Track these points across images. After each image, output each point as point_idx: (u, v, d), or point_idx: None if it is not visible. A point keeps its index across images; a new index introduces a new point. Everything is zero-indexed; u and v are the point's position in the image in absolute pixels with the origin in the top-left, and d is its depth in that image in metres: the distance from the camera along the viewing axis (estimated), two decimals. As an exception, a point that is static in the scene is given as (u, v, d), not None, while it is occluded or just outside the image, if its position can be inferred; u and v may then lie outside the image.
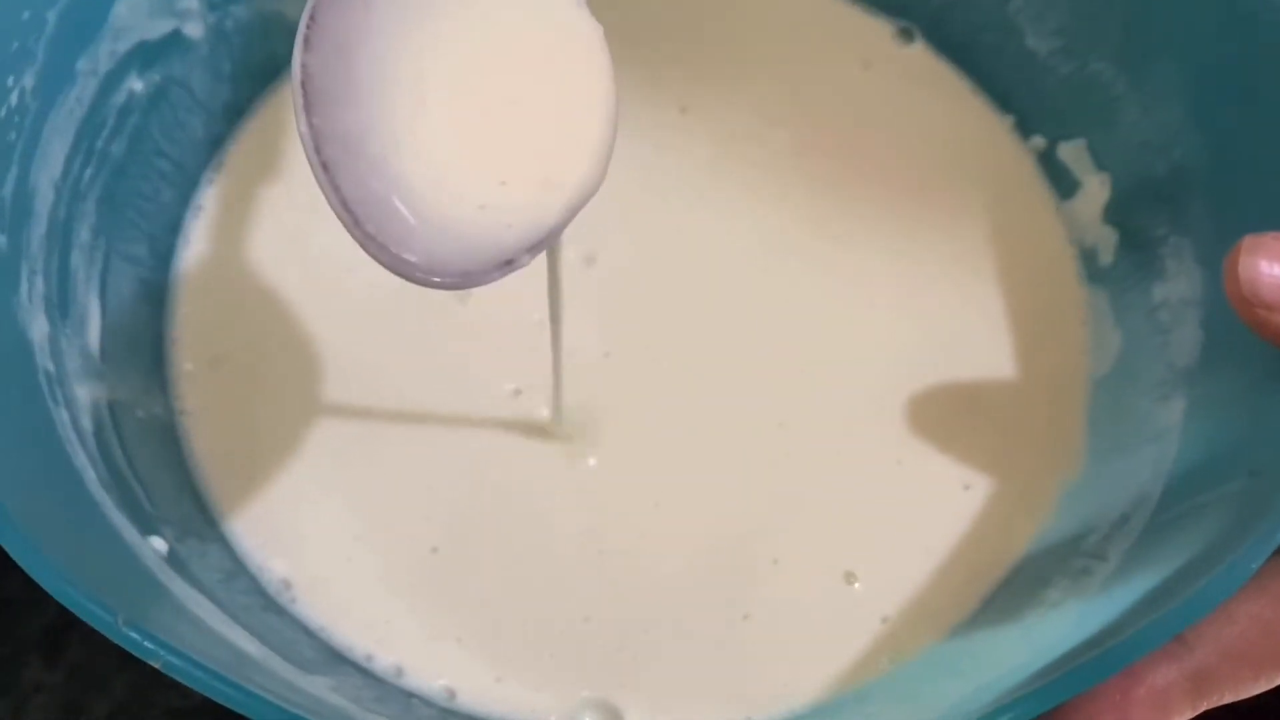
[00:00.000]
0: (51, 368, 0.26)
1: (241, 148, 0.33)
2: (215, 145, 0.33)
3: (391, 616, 0.28)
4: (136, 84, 0.30)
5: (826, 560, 0.29)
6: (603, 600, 0.29)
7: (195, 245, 0.32)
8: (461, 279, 0.22)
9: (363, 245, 0.21)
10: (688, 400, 0.31)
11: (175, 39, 0.31)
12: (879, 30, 0.35)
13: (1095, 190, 0.32)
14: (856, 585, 0.29)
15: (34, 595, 0.20)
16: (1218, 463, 0.25)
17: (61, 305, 0.28)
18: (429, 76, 0.22)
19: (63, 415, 0.26)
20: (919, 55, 0.35)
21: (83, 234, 0.29)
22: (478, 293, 0.31)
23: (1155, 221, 0.30)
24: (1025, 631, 0.26)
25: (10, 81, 0.26)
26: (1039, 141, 0.34)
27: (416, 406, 0.30)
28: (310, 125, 0.21)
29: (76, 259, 0.28)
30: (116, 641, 0.20)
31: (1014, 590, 0.28)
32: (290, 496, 0.29)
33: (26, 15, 0.26)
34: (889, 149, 0.34)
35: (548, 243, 0.22)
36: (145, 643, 0.20)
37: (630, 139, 0.33)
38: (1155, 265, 0.30)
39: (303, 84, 0.21)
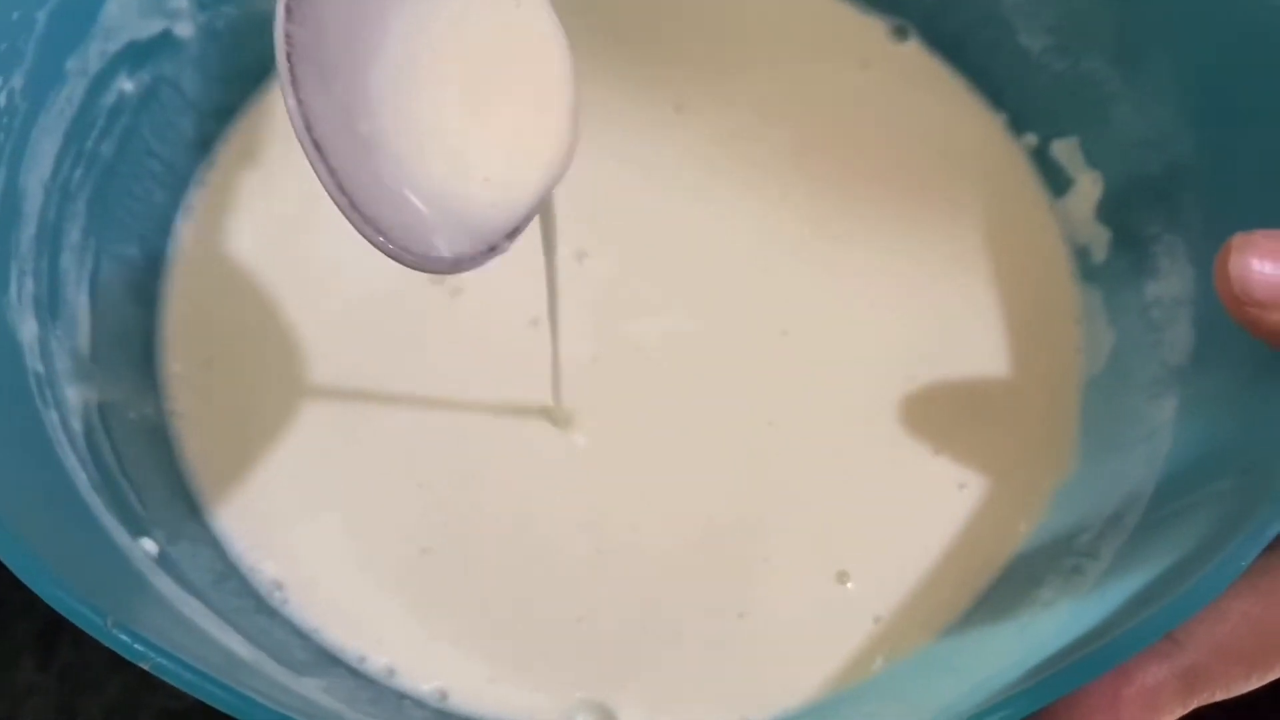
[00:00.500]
0: (41, 369, 0.26)
1: (233, 148, 0.33)
2: (206, 145, 0.33)
3: (384, 617, 0.28)
4: (127, 84, 0.30)
5: (819, 560, 0.29)
6: (596, 601, 0.29)
7: (186, 246, 0.32)
8: (452, 264, 0.22)
9: (359, 228, 0.21)
10: (680, 399, 0.31)
11: (166, 39, 0.31)
12: (873, 28, 0.35)
13: (1088, 188, 0.32)
14: (849, 585, 0.29)
15: (26, 597, 0.20)
16: (1210, 461, 0.25)
17: (51, 306, 0.27)
18: (410, 60, 0.22)
19: (52, 417, 0.26)
20: (913, 53, 0.35)
21: (73, 235, 0.29)
22: (469, 293, 0.31)
23: (1148, 220, 0.30)
24: (1018, 630, 0.26)
25: (-1, 81, 0.26)
26: (1031, 139, 0.34)
27: (408, 407, 0.30)
28: (299, 100, 0.21)
29: (66, 260, 0.28)
30: (105, 643, 0.20)
31: (1007, 589, 0.28)
32: (282, 497, 0.29)
33: (16, 15, 0.26)
34: (883, 147, 0.34)
35: (525, 226, 0.23)
36: (134, 644, 0.20)
37: (625, 138, 0.34)
38: (1148, 264, 0.30)
39: (288, 56, 0.21)
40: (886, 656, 0.28)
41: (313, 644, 0.28)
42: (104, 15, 0.29)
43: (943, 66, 0.35)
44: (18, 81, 0.26)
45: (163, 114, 0.31)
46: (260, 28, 0.33)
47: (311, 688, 0.25)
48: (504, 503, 0.29)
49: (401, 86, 0.22)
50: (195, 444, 0.30)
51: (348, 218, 0.21)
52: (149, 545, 0.26)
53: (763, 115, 0.34)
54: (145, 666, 0.21)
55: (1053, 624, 0.25)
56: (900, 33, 0.35)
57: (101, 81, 0.29)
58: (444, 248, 0.22)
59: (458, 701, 0.27)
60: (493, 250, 0.22)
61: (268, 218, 0.32)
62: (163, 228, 0.32)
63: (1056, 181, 0.33)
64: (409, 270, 0.31)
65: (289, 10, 0.21)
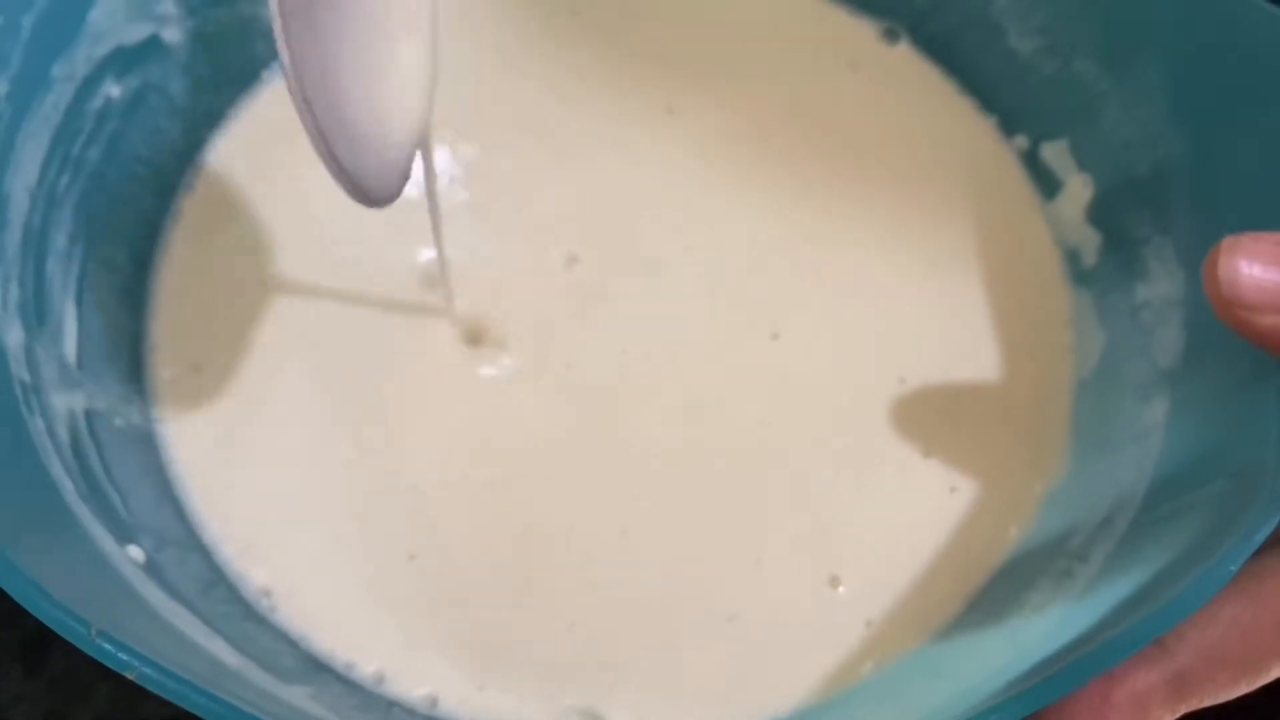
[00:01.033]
0: (27, 377, 0.26)
1: (221, 153, 0.33)
2: (194, 150, 0.33)
3: (372, 624, 0.28)
4: (114, 89, 0.30)
5: (811, 563, 0.29)
6: (586, 606, 0.28)
7: (175, 251, 0.32)
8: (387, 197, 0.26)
9: (333, 173, 0.24)
10: (671, 401, 0.31)
11: (153, 44, 0.31)
12: (864, 31, 0.35)
13: (1078, 191, 0.32)
14: (841, 589, 0.29)
15: (14, 605, 0.20)
16: (1200, 464, 0.25)
17: (38, 313, 0.27)
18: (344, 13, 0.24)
19: (38, 424, 0.26)
20: (904, 56, 0.35)
21: (59, 241, 0.29)
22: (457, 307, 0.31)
23: (1138, 222, 0.30)
24: (1009, 634, 0.26)
25: (-16, 87, 0.26)
26: (1022, 142, 0.33)
27: (396, 413, 0.30)
28: (290, 53, 0.23)
29: (53, 266, 0.28)
30: (88, 652, 0.20)
31: (998, 593, 0.28)
32: (269, 504, 0.29)
33: (1, 21, 0.26)
34: (873, 149, 0.34)
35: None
36: (118, 653, 0.20)
37: (617, 138, 0.34)
38: (1138, 266, 0.30)
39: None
40: (877, 661, 0.28)
41: (301, 651, 0.27)
42: (91, 21, 0.29)
43: (933, 69, 0.35)
44: (3, 87, 0.26)
45: (150, 119, 0.31)
46: (249, 33, 0.33)
47: (299, 695, 0.25)
48: (491, 509, 0.29)
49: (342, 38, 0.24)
50: (183, 451, 0.29)
51: (325, 164, 0.24)
52: (135, 553, 0.26)
53: (754, 117, 0.34)
54: (129, 675, 0.20)
55: (1043, 628, 0.24)
56: (891, 35, 0.35)
57: (88, 87, 0.29)
58: (383, 184, 0.25)
59: (447, 708, 0.27)
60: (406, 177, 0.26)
61: (256, 223, 0.32)
62: (151, 234, 0.32)
63: (1047, 184, 0.33)
64: (400, 276, 0.31)
65: None
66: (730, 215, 0.33)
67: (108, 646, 0.20)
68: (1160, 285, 0.29)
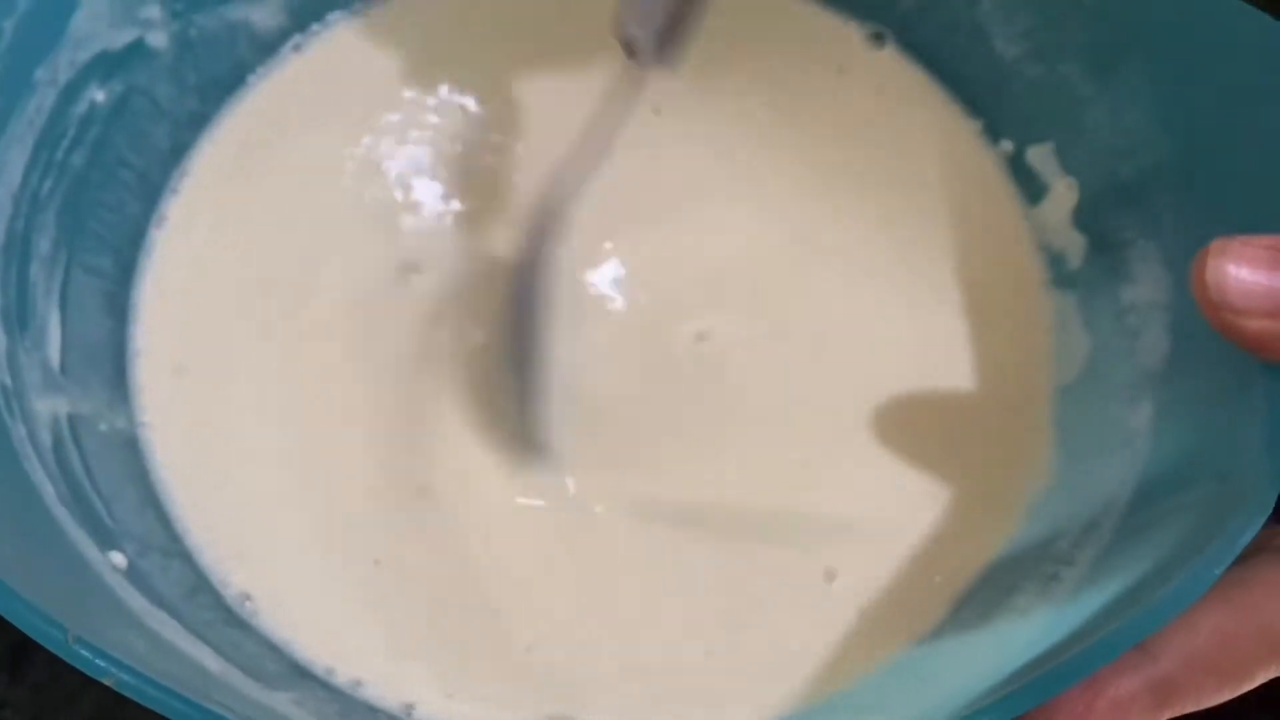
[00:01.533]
0: (9, 381, 0.26)
1: (207, 157, 0.33)
2: (180, 155, 0.32)
3: (349, 630, 0.28)
4: (98, 94, 0.30)
5: (802, 563, 0.29)
6: (568, 609, 0.28)
7: (159, 256, 0.32)
8: None
9: None
10: (656, 406, 0.30)
11: (138, 48, 0.31)
12: (851, 35, 0.35)
13: (1063, 194, 0.32)
14: (829, 592, 0.29)
15: (-4, 611, 0.20)
16: (1186, 467, 0.25)
17: (20, 318, 0.27)
18: None
19: (20, 430, 0.26)
20: (891, 59, 0.35)
21: (42, 246, 0.28)
22: (451, 320, 0.31)
23: (1123, 225, 0.30)
24: (994, 639, 0.26)
25: (-35, 92, 0.26)
26: (1007, 146, 0.33)
27: (378, 419, 0.30)
28: None
29: (36, 271, 0.28)
30: (65, 658, 0.20)
31: (984, 598, 0.28)
32: (251, 508, 0.29)
33: (-18, 25, 0.26)
34: (860, 152, 0.34)
35: None
36: (95, 660, 0.20)
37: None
38: (1123, 269, 0.30)
39: None
40: (864, 665, 0.28)
41: (283, 657, 0.27)
42: (74, 25, 0.29)
43: (919, 72, 0.34)
44: (-15, 91, 0.26)
45: (135, 123, 0.31)
46: (234, 37, 0.33)
47: (282, 701, 0.25)
48: (471, 513, 0.29)
49: None
50: (166, 455, 0.29)
51: None
52: (118, 558, 0.26)
53: (742, 120, 0.34)
54: (107, 682, 0.20)
55: (1029, 633, 0.24)
56: (877, 39, 0.35)
57: (72, 91, 0.29)
58: None
59: (424, 715, 0.27)
60: None
61: (243, 227, 0.32)
62: (136, 238, 0.32)
63: (1032, 188, 0.33)
64: (382, 281, 0.31)
65: None
66: (715, 216, 0.33)
67: (85, 653, 0.20)
68: (1145, 288, 0.29)
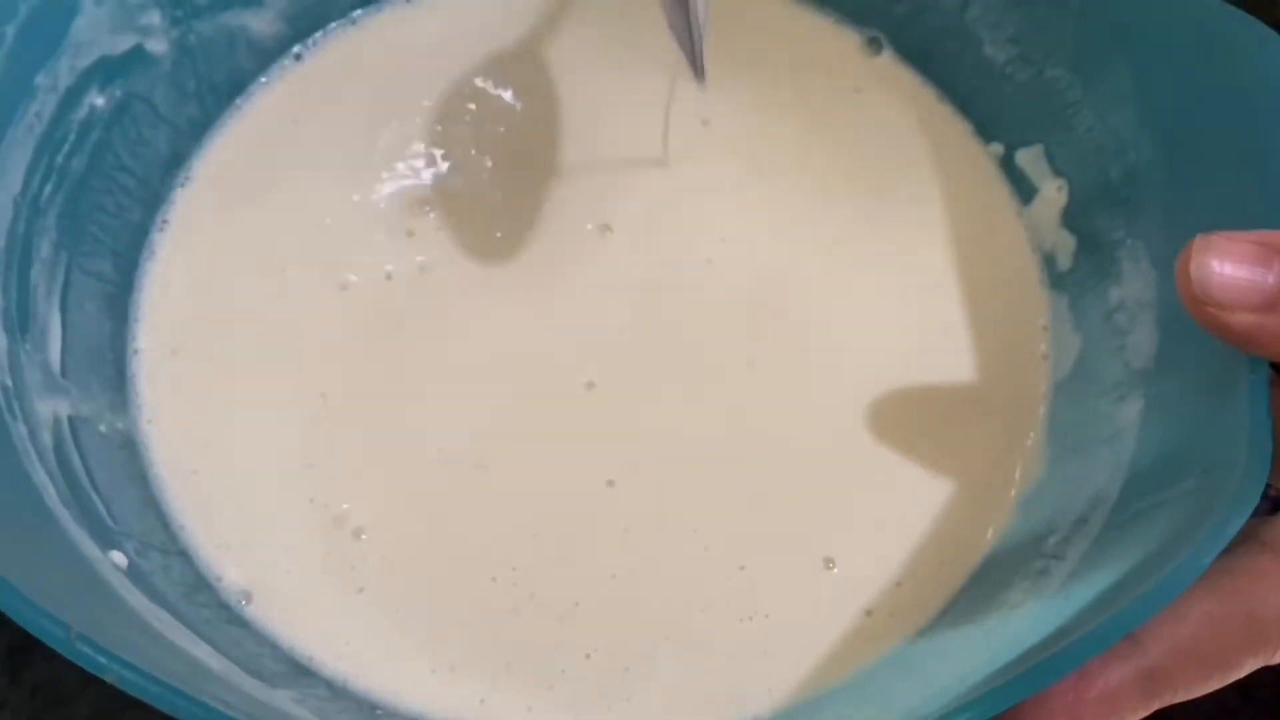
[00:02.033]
0: (10, 382, 0.26)
1: (207, 163, 0.33)
2: (180, 160, 0.33)
3: (350, 626, 0.28)
4: (98, 99, 0.30)
5: (797, 562, 0.29)
6: (573, 603, 0.28)
7: (160, 260, 0.32)
8: None
9: None
10: (661, 401, 0.31)
11: (138, 54, 0.31)
12: (848, 41, 0.36)
13: (1053, 195, 0.32)
14: (823, 588, 0.29)
15: (-4, 612, 0.20)
16: (1174, 461, 0.25)
17: (21, 320, 0.27)
18: None
19: (21, 430, 0.26)
20: (887, 65, 0.35)
21: (43, 249, 0.29)
22: (453, 314, 0.31)
23: (1111, 225, 0.30)
24: (986, 634, 0.26)
25: (-34, 96, 0.26)
26: (997, 148, 0.34)
27: (377, 418, 0.30)
28: None
29: (37, 274, 0.28)
30: (68, 656, 0.20)
31: (976, 592, 0.28)
32: (251, 507, 0.29)
33: (-16, 30, 0.26)
34: (855, 155, 0.34)
35: None
36: (98, 657, 0.20)
37: (604, 144, 0.34)
38: (1112, 268, 0.30)
39: None
40: (859, 659, 0.28)
41: (283, 654, 0.27)
42: (74, 31, 0.29)
43: (916, 79, 0.35)
44: (-14, 96, 0.26)
45: (135, 129, 0.31)
46: (234, 43, 0.33)
47: (283, 699, 0.25)
48: (478, 507, 0.29)
49: None
50: (166, 455, 0.30)
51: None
52: (118, 558, 0.26)
53: (740, 125, 0.34)
54: (109, 679, 0.20)
55: (1020, 627, 0.25)
56: (874, 45, 0.35)
57: (72, 96, 0.29)
58: None
59: (423, 712, 0.27)
60: None
61: (242, 233, 0.32)
62: (136, 242, 0.32)
63: (1022, 189, 0.33)
64: (383, 285, 0.32)
65: None
66: (710, 220, 0.33)
67: (87, 650, 0.20)
68: (1134, 287, 0.29)
